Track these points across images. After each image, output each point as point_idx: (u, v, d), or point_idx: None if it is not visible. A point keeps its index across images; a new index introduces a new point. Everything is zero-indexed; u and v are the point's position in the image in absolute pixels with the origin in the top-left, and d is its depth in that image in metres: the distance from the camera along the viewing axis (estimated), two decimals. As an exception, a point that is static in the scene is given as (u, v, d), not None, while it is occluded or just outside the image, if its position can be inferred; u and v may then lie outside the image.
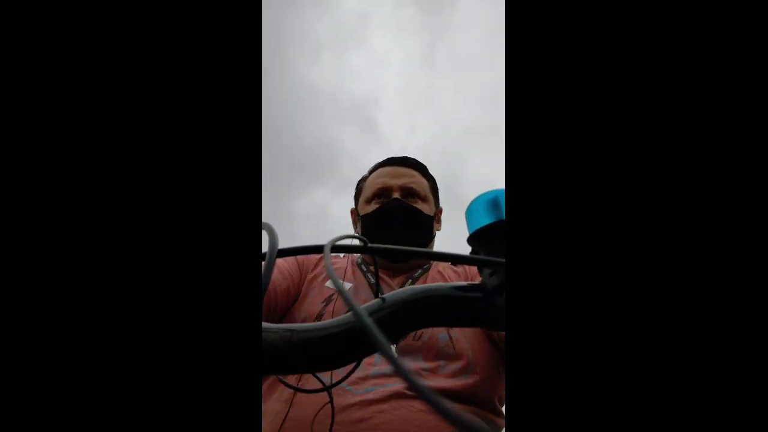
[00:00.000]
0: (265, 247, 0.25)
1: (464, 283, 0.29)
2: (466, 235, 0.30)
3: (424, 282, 0.80)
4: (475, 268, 0.77)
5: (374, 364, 0.63)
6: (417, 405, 0.58)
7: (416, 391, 0.12)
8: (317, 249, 0.28)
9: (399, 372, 0.13)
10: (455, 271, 0.82)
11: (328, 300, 0.73)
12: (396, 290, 0.29)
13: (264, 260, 0.24)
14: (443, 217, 0.93)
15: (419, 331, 0.68)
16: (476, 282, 0.29)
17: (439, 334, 0.68)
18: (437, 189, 0.93)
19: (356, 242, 0.29)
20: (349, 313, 0.28)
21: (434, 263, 0.86)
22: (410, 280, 0.80)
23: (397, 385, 0.60)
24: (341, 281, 0.70)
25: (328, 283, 0.77)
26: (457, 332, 0.69)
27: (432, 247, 0.88)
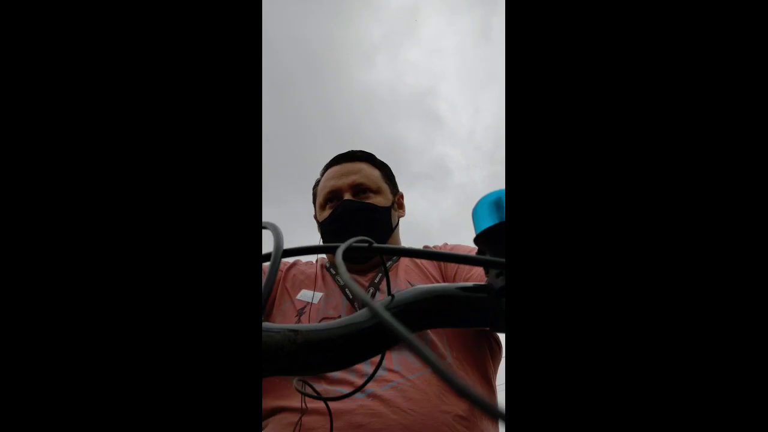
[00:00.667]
0: (269, 248, 0.24)
1: (470, 283, 0.29)
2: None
3: (395, 272, 0.79)
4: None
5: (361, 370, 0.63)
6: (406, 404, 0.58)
7: (440, 376, 0.12)
8: (323, 249, 0.28)
9: (424, 359, 0.12)
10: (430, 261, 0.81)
11: (300, 312, 0.72)
12: (402, 290, 0.29)
13: (269, 260, 0.24)
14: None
15: None
16: (481, 282, 0.29)
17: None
18: (392, 175, 0.91)
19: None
20: (353, 314, 0.28)
21: (400, 261, 0.84)
22: (380, 274, 0.78)
23: (390, 385, 0.60)
24: (357, 287, 0.69)
25: (300, 295, 0.76)
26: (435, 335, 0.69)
27: (397, 235, 0.87)
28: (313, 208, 0.92)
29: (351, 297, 0.73)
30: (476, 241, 0.29)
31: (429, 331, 0.66)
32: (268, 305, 0.76)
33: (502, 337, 0.73)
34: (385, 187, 0.86)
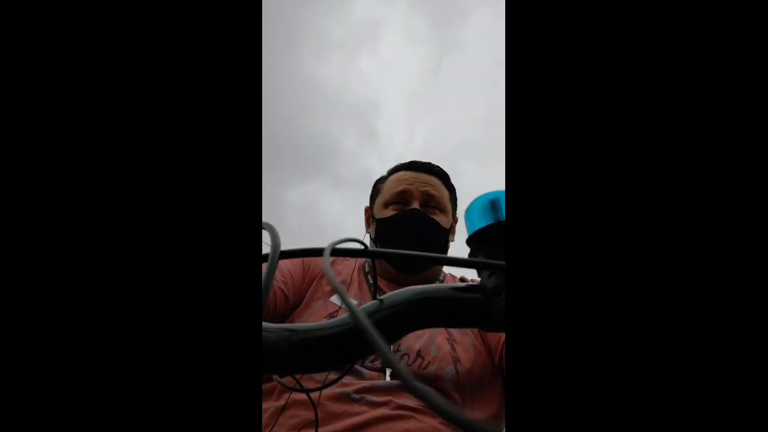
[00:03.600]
0: (266, 249, 0.25)
1: (463, 284, 0.29)
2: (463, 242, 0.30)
3: None
4: None
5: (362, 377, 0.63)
6: (402, 424, 0.58)
7: (412, 392, 0.12)
8: (318, 252, 0.29)
9: (395, 370, 0.13)
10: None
11: (331, 316, 0.71)
12: (395, 291, 0.29)
13: (266, 262, 0.24)
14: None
15: (426, 360, 0.66)
16: (475, 283, 0.29)
17: (446, 366, 0.66)
18: (456, 199, 0.89)
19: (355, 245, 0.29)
20: (347, 315, 0.28)
21: (448, 276, 0.84)
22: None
23: (381, 406, 0.59)
24: (342, 286, 0.69)
25: (333, 298, 0.74)
26: (463, 364, 0.67)
27: None
28: (368, 200, 0.91)
29: (380, 296, 0.70)
30: (469, 241, 0.29)
31: (448, 384, 0.65)
32: (298, 298, 0.75)
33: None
34: (449, 209, 0.85)
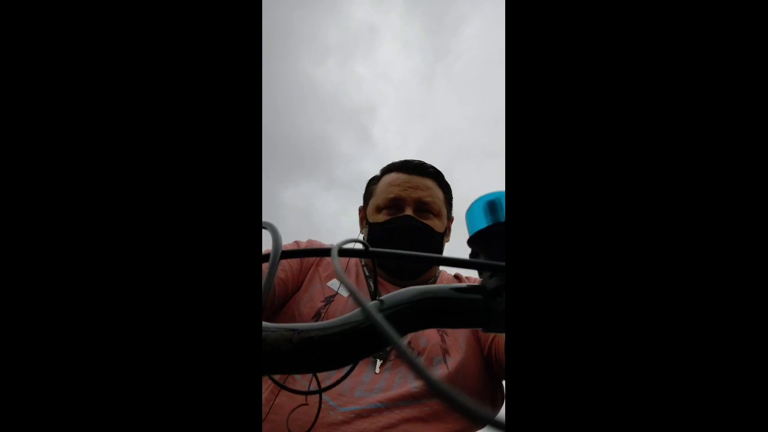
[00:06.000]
0: (267, 248, 0.25)
1: (464, 284, 0.29)
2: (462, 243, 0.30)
3: None
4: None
5: (361, 382, 0.63)
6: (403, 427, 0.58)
7: (426, 383, 0.12)
8: (321, 252, 0.28)
9: (409, 363, 0.13)
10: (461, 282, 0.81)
11: (328, 300, 0.72)
12: (395, 291, 0.29)
13: (267, 261, 0.24)
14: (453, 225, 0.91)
15: (415, 351, 0.67)
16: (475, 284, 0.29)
17: (435, 357, 0.67)
18: (451, 198, 0.89)
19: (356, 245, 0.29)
20: (349, 313, 0.28)
21: (440, 277, 0.84)
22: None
23: (382, 412, 0.60)
24: (352, 284, 0.69)
25: (331, 283, 0.75)
26: (452, 355, 0.68)
27: None
28: (362, 200, 0.91)
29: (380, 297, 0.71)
30: (470, 242, 0.29)
31: (440, 373, 0.66)
32: (296, 285, 0.76)
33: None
34: (444, 212, 0.85)
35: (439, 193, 0.85)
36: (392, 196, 0.82)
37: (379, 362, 0.65)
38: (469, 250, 0.30)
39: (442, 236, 0.84)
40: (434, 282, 0.82)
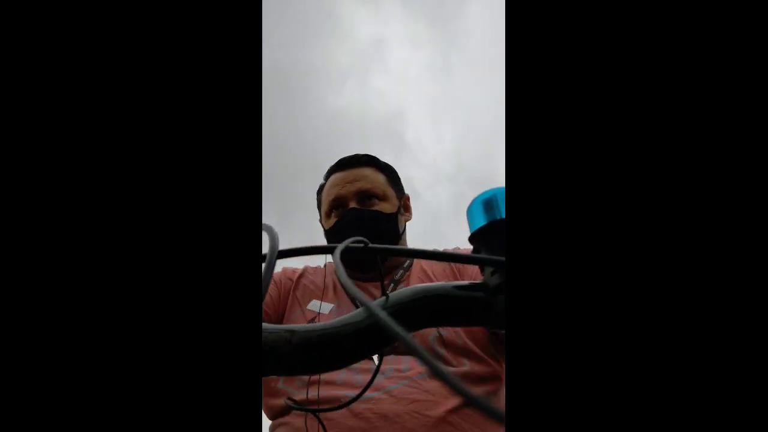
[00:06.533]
0: (265, 249, 0.24)
1: (466, 282, 0.29)
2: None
3: (407, 282, 0.78)
4: (465, 265, 0.76)
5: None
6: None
7: (436, 375, 0.12)
8: (318, 250, 0.28)
9: (419, 356, 0.13)
10: (443, 268, 0.79)
11: (311, 322, 0.71)
12: (398, 290, 0.29)
13: (264, 262, 0.24)
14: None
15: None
16: (478, 281, 0.29)
17: (431, 332, 0.68)
18: (397, 177, 0.88)
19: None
20: (348, 314, 0.28)
21: (416, 260, 0.83)
22: (392, 283, 0.77)
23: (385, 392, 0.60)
24: (350, 282, 0.69)
25: (310, 305, 0.75)
26: (446, 328, 0.68)
27: (404, 239, 0.85)
28: (317, 213, 0.90)
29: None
30: (471, 239, 0.29)
31: (433, 343, 0.67)
32: (278, 316, 0.76)
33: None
34: (390, 192, 0.85)
35: (379, 177, 0.85)
36: (332, 197, 0.82)
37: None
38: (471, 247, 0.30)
39: (395, 216, 0.83)
40: (410, 266, 0.81)
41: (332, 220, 0.82)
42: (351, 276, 0.79)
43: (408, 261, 0.83)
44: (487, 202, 0.30)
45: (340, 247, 0.25)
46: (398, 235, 0.83)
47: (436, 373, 0.12)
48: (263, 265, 0.23)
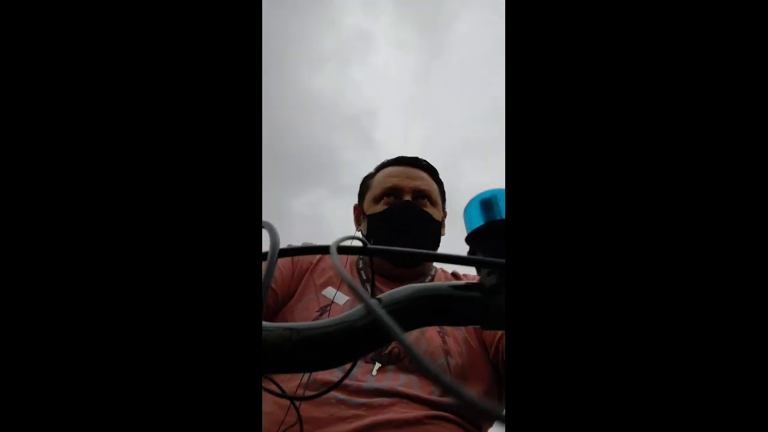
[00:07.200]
0: (266, 247, 0.25)
1: (462, 282, 0.29)
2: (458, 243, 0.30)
3: None
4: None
5: (369, 375, 0.62)
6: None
7: (431, 378, 0.12)
8: (319, 249, 0.29)
9: (414, 358, 0.13)
10: (459, 280, 0.80)
11: (323, 310, 0.70)
12: (393, 290, 0.29)
13: (265, 260, 0.24)
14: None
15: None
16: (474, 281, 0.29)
17: (437, 359, 0.66)
18: (444, 193, 0.90)
19: (356, 243, 0.29)
20: (348, 311, 0.28)
21: (439, 271, 0.83)
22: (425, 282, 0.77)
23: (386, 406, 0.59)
24: (353, 279, 0.68)
25: (326, 291, 0.74)
26: (454, 357, 0.67)
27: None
28: (356, 199, 0.90)
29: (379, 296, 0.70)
30: (467, 240, 0.30)
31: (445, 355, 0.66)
32: (287, 295, 0.74)
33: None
34: (440, 202, 0.86)
35: (434, 185, 0.86)
36: (390, 185, 0.82)
37: (377, 365, 0.64)
38: (467, 248, 0.30)
39: (440, 225, 0.84)
40: (432, 279, 0.81)
41: (380, 207, 0.81)
42: (388, 271, 0.79)
43: (434, 270, 0.83)
44: (485, 203, 0.30)
45: (336, 242, 0.25)
46: (437, 244, 0.84)
47: (428, 374, 0.12)
48: (264, 264, 0.23)
